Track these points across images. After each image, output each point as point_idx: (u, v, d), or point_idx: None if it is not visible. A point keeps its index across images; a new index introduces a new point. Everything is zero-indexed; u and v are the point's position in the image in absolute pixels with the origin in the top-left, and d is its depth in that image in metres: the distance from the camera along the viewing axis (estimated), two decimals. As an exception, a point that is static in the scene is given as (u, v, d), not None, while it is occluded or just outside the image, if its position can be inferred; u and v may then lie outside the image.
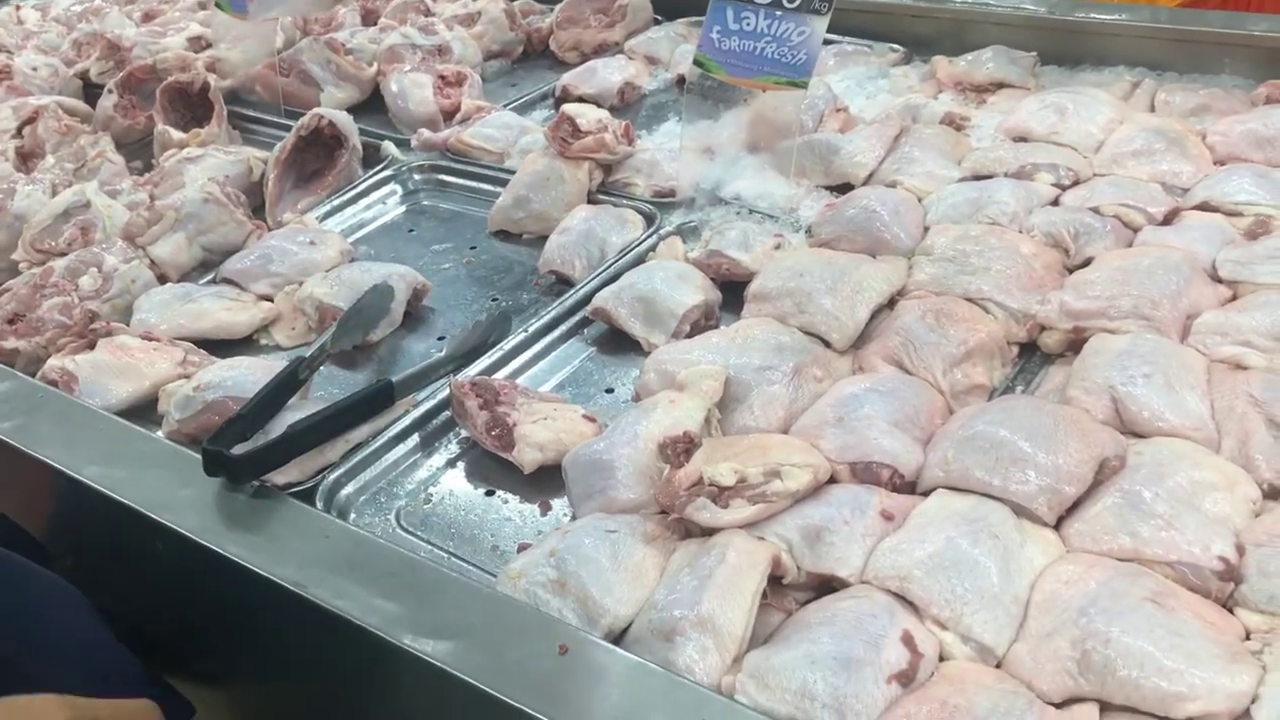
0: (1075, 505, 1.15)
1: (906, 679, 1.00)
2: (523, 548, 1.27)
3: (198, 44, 2.61)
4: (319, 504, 1.32)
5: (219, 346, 1.70)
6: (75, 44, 2.73)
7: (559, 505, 1.34)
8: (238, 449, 1.29)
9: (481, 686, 1.01)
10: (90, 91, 2.57)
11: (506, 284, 1.82)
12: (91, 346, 1.64)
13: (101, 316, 1.74)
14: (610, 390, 1.55)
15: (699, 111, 1.88)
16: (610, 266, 1.72)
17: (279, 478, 1.33)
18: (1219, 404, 1.26)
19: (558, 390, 1.56)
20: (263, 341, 1.74)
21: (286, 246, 1.84)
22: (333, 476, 1.36)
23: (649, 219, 1.85)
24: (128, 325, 1.71)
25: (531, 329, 1.62)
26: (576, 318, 1.66)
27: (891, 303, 1.50)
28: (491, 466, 1.41)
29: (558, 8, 2.65)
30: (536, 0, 2.79)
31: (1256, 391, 1.24)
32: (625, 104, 2.34)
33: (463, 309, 1.76)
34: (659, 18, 2.64)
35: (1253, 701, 0.93)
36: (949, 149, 1.81)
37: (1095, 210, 1.60)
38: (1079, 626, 1.00)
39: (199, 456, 1.29)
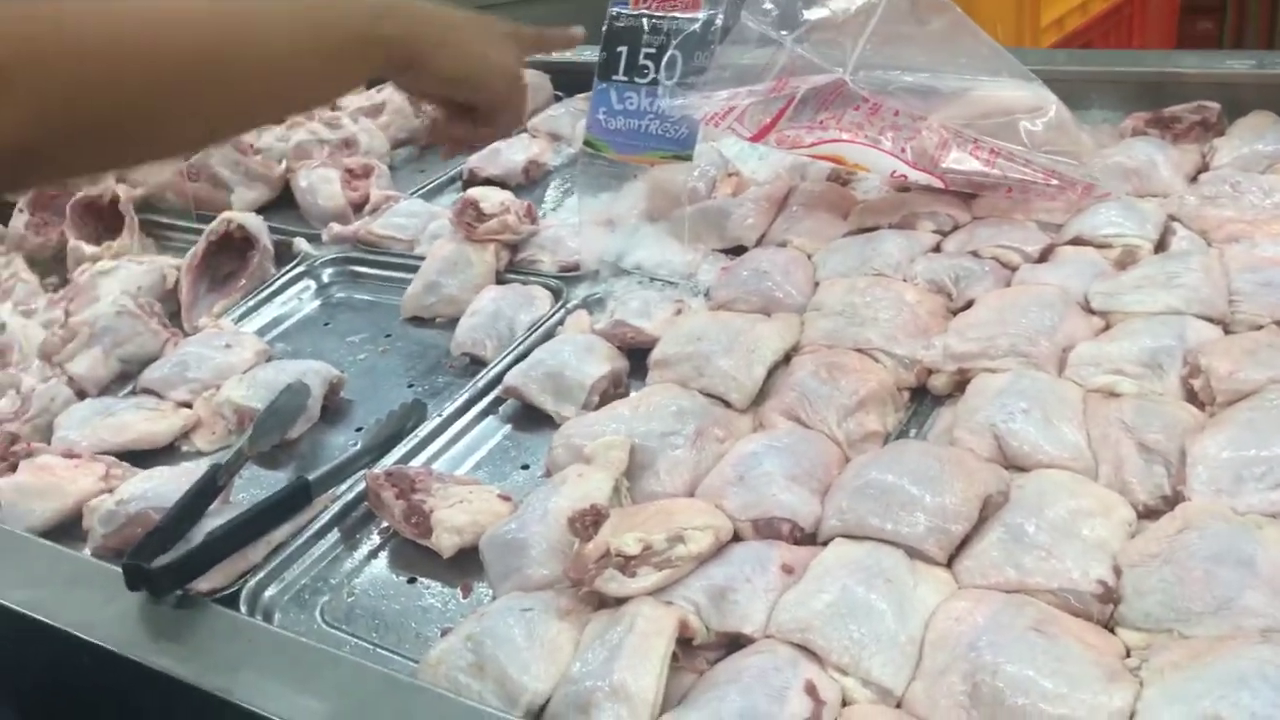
0: (964, 542, 1.21)
1: (810, 727, 1.04)
2: (445, 632, 1.30)
3: (107, 155, 2.63)
4: (243, 608, 1.34)
5: (143, 457, 1.72)
6: (-15, 164, 2.74)
7: (481, 587, 1.38)
8: (158, 561, 1.32)
9: (405, 775, 1.04)
10: (3, 211, 2.58)
11: (422, 369, 1.86)
12: (14, 469, 1.66)
13: (22, 438, 1.76)
14: (526, 466, 1.59)
15: (596, 186, 1.95)
16: (520, 344, 1.77)
17: (203, 585, 1.35)
18: (1094, 432, 1.32)
19: (475, 470, 1.60)
20: (184, 449, 1.76)
21: (203, 351, 1.87)
22: (255, 579, 1.38)
23: (556, 294, 1.91)
24: (49, 444, 1.73)
25: (446, 413, 1.66)
26: (490, 397, 1.70)
27: (788, 359, 1.57)
28: (413, 554, 1.44)
29: (460, 92, 2.71)
30: (440, 85, 2.85)
31: (1128, 418, 1.31)
32: (531, 181, 2.41)
33: (380, 398, 1.79)
34: (559, 94, 2.72)
35: (1131, 718, 0.99)
36: (836, 204, 1.89)
37: (974, 253, 1.67)
38: (969, 660, 1.06)
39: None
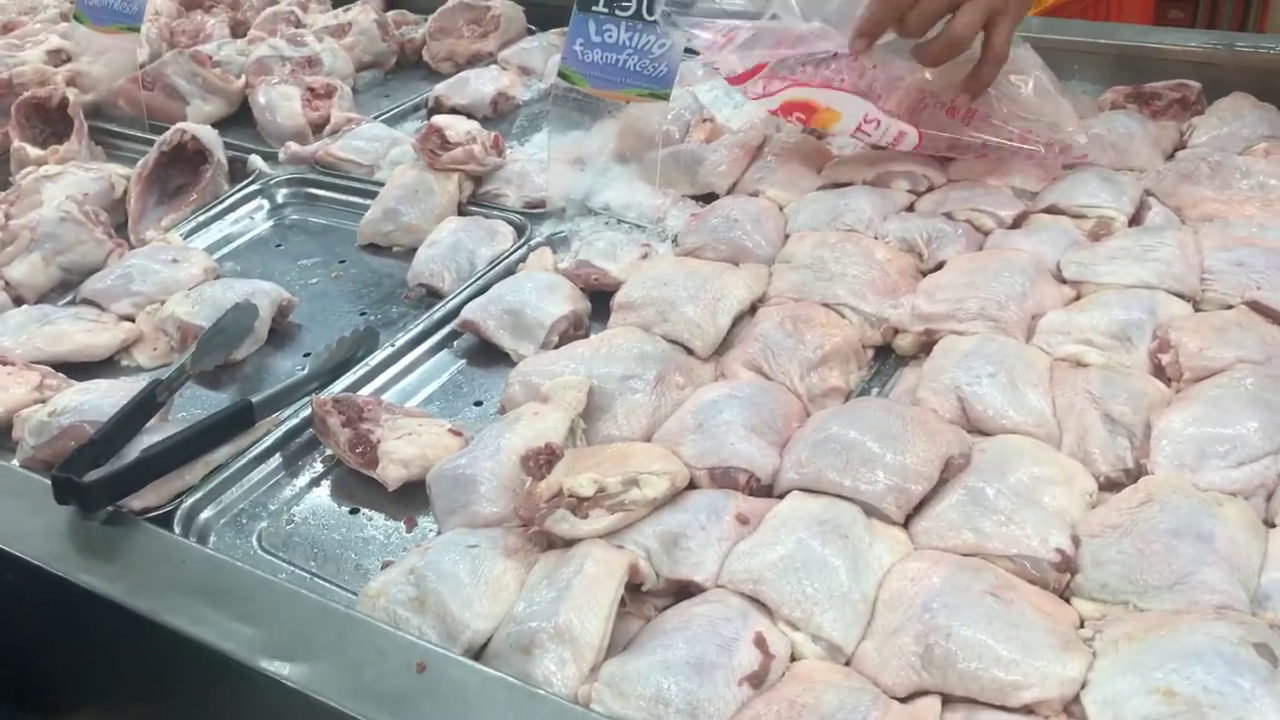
0: (923, 503, 1.19)
1: (758, 680, 1.02)
2: (387, 564, 1.26)
3: (58, 57, 2.53)
4: (177, 529, 1.30)
5: (80, 369, 1.65)
6: (-73, 59, 2.62)
7: (425, 521, 1.34)
8: (90, 475, 1.27)
9: (338, 708, 1.00)
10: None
11: (375, 298, 1.80)
12: (-60, 372, 1.59)
13: (-47, 342, 1.69)
14: (479, 403, 1.55)
15: (567, 122, 1.90)
16: (480, 278, 1.72)
17: (136, 503, 1.30)
18: (1060, 401, 1.31)
19: (426, 404, 1.55)
20: (124, 363, 1.69)
21: (148, 265, 1.80)
22: (191, 500, 1.34)
23: (519, 230, 1.86)
24: (-20, 350, 1.66)
25: (399, 343, 1.61)
26: (446, 330, 1.66)
27: (754, 310, 1.54)
28: (356, 485, 1.40)
29: (431, 18, 2.64)
30: (410, 11, 2.77)
31: (1094, 388, 1.30)
32: (499, 114, 2.35)
33: (331, 324, 1.74)
34: (532, 28, 2.65)
35: (1083, 687, 0.97)
36: (810, 157, 1.85)
37: (948, 215, 1.65)
38: (922, 622, 1.04)
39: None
